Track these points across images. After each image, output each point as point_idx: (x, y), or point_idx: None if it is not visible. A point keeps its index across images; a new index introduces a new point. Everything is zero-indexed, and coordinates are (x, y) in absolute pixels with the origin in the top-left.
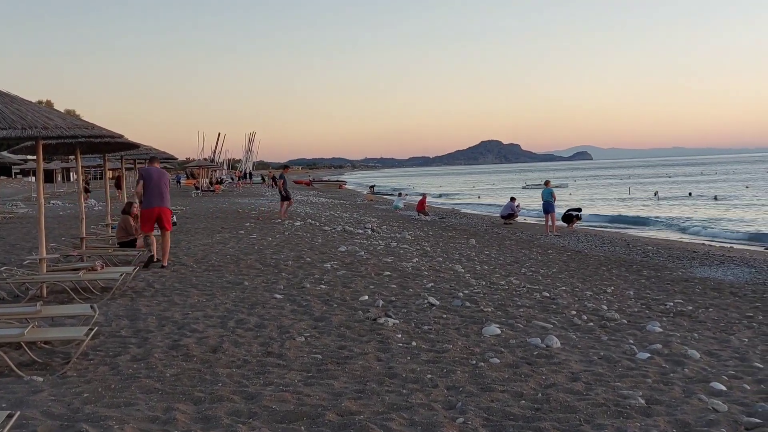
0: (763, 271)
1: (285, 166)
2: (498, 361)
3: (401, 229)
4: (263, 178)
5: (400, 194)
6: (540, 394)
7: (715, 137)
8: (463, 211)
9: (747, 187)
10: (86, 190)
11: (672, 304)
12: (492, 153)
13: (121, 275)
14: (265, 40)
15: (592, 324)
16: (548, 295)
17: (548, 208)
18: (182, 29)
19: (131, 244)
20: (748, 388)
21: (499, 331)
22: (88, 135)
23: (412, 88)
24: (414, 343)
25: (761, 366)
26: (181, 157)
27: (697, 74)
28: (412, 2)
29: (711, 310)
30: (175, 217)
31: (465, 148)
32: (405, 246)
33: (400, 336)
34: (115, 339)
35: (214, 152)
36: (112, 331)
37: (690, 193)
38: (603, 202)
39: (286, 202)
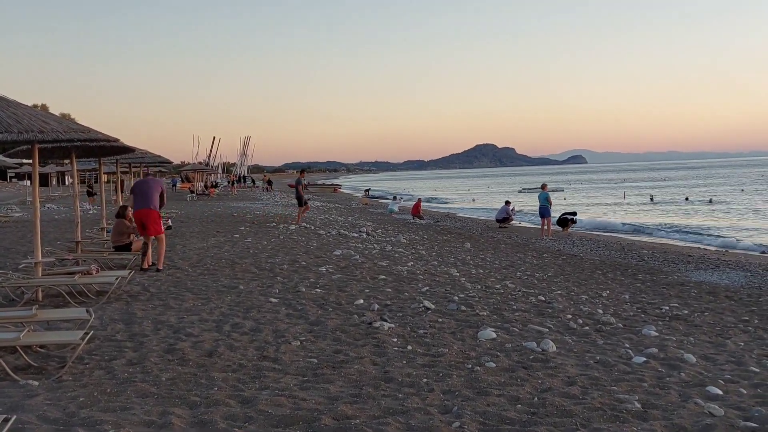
0: (759, 275)
1: (301, 170)
2: (494, 365)
3: (396, 233)
4: (253, 181)
5: (395, 198)
6: (536, 399)
7: (710, 141)
8: (459, 214)
9: (742, 191)
10: (90, 194)
11: (667, 308)
12: (487, 157)
13: (117, 279)
14: (260, 43)
15: (587, 328)
16: (544, 299)
17: (544, 212)
18: (178, 33)
19: (126, 247)
20: (745, 392)
21: (494, 335)
22: (84, 139)
23: (407, 91)
24: (410, 347)
25: (757, 370)
26: (177, 161)
27: (691, 78)
28: (407, 5)
29: (707, 314)
30: (170, 221)
31: (460, 152)
32: (400, 250)
33: (395, 340)
34: (111, 343)
35: (209, 156)
36: (107, 335)
37: (687, 198)
38: (599, 207)
39: (303, 207)
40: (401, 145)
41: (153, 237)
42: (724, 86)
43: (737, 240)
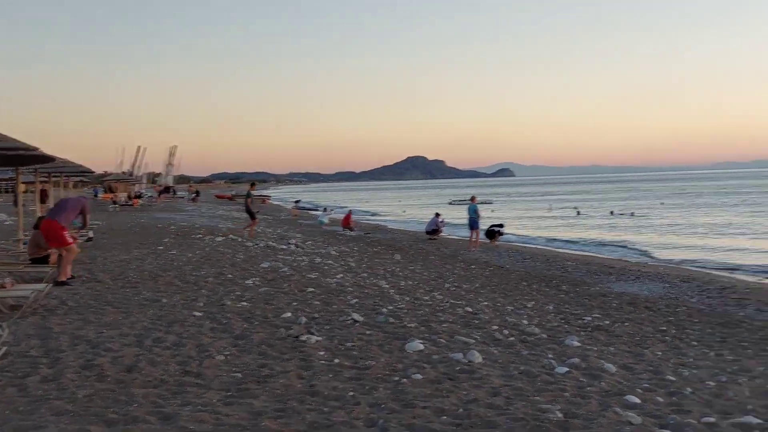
0: (676, 286)
1: (252, 183)
2: (420, 377)
3: (326, 245)
4: (174, 192)
5: (325, 209)
6: (461, 410)
7: (631, 156)
8: (389, 226)
9: (662, 204)
10: (17, 204)
11: (590, 318)
12: (418, 169)
13: (33, 293)
14: (187, 50)
15: (513, 339)
16: (471, 310)
17: (473, 223)
18: (99, 38)
19: (44, 260)
20: (661, 400)
21: (422, 347)
22: (0, 147)
23: (339, 102)
24: (337, 361)
25: (674, 379)
26: (100, 171)
27: (612, 93)
28: (339, 16)
29: (627, 324)
30: (91, 232)
31: (392, 164)
32: (330, 262)
33: (322, 353)
34: (25, 359)
35: (133, 165)
36: (21, 350)
37: (611, 212)
38: (526, 220)
39: (254, 221)
40: (333, 157)
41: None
42: (645, 102)
43: (656, 253)
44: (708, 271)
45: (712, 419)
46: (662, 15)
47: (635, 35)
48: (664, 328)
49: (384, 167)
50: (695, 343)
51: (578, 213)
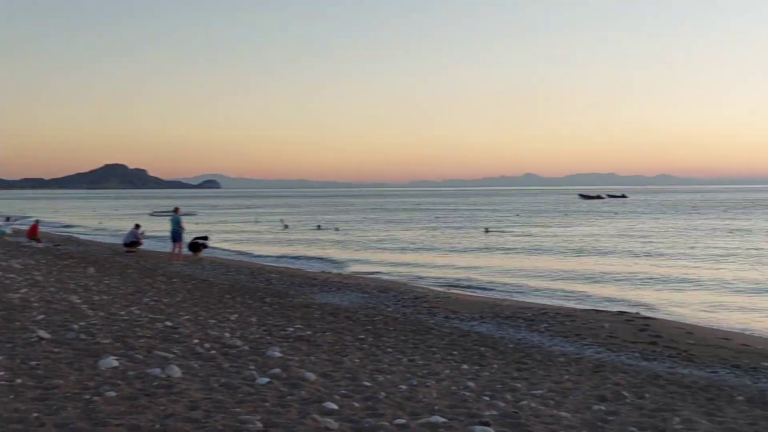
0: (375, 297)
1: None
2: (114, 394)
3: (8, 257)
4: None
5: (8, 219)
6: (158, 425)
7: (339, 172)
8: (82, 238)
9: (365, 219)
10: None
11: (292, 329)
12: (117, 177)
13: None
14: None
15: (214, 352)
16: (171, 324)
17: (176, 236)
18: None
19: None
20: (358, 405)
21: (116, 363)
22: None
23: (23, 100)
24: (19, 381)
25: (369, 384)
26: None
27: (325, 113)
28: (41, 7)
29: (328, 333)
30: None
31: (87, 171)
32: (12, 275)
33: (2, 374)
34: None
35: None
36: None
37: (319, 226)
38: (232, 233)
39: None
40: (17, 161)
41: None
42: (354, 123)
43: (357, 266)
44: (404, 281)
45: (403, 420)
46: (403, 40)
47: (356, 54)
48: (363, 337)
49: (78, 174)
50: (390, 349)
51: (285, 226)
